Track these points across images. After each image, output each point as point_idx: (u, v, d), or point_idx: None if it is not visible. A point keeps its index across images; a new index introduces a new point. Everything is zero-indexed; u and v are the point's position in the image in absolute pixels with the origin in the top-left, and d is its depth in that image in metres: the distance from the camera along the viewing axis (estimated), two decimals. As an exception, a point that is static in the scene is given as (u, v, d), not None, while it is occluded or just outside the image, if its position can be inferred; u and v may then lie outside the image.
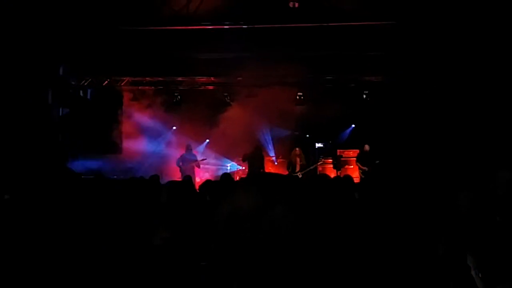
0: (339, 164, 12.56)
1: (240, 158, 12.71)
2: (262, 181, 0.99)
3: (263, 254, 1.11)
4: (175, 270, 4.06)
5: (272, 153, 13.50)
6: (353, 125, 13.74)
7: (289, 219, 1.11)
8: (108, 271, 3.23)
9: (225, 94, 13.50)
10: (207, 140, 13.98)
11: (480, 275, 1.97)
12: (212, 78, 13.43)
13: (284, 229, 1.11)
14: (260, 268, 1.12)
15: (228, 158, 13.63)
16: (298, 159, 12.23)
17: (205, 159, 13.07)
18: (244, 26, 10.80)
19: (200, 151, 13.75)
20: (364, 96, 12.87)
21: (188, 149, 12.77)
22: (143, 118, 13.30)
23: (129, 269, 3.30)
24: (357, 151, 12.45)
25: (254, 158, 11.93)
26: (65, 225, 3.40)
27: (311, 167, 12.45)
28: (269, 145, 13.50)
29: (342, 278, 2.63)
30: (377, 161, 11.58)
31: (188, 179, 7.00)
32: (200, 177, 12.52)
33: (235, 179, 11.83)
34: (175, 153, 13.02)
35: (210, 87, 13.84)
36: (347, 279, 2.71)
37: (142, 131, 13.41)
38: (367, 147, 11.99)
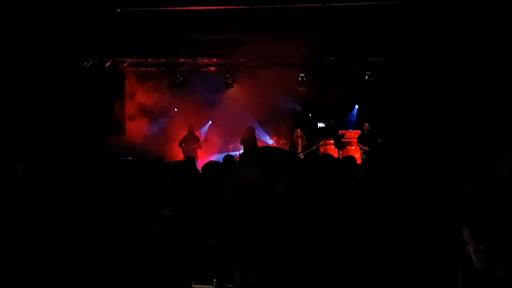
0: (341, 143, 12.59)
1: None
2: (266, 154, 1.02)
3: (270, 227, 1.15)
4: (180, 248, 4.13)
5: (266, 138, 13.49)
6: (357, 106, 13.73)
7: (295, 192, 1.15)
8: (113, 251, 3.28)
9: (227, 75, 13.49)
10: (210, 122, 14.01)
11: (482, 248, 2.02)
12: (214, 60, 13.40)
13: (291, 202, 1.14)
14: (269, 241, 1.16)
15: (230, 139, 13.67)
16: (300, 140, 12.27)
17: (207, 140, 13.11)
18: (246, 7, 10.73)
19: (203, 132, 13.80)
20: (367, 77, 12.85)
21: (191, 130, 12.80)
22: (146, 99, 13.31)
23: (134, 248, 3.36)
24: (359, 132, 12.48)
25: (248, 141, 11.99)
26: (70, 204, 3.45)
27: (313, 148, 12.48)
28: (264, 132, 13.45)
29: (346, 254, 2.69)
30: (379, 140, 11.60)
31: (191, 160, 7.06)
32: (203, 158, 12.58)
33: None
34: (178, 135, 13.06)
35: (212, 69, 13.81)
36: (351, 256, 2.78)
37: (145, 112, 13.43)
38: (367, 125, 12.03)
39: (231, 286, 1.23)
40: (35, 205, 3.16)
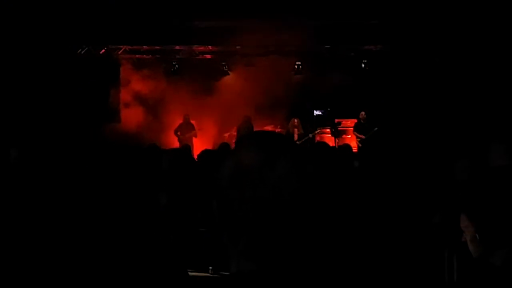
0: (337, 132, 12.58)
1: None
2: (263, 138, 1.00)
3: (266, 212, 1.13)
4: (176, 235, 4.12)
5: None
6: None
7: (291, 177, 1.13)
8: (108, 238, 3.27)
9: (223, 63, 13.41)
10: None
11: (477, 237, 2.02)
12: (210, 47, 13.31)
13: (286, 187, 1.12)
14: (266, 227, 1.14)
15: (226, 128, 13.62)
16: (295, 129, 12.24)
17: (203, 128, 13.07)
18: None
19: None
20: (363, 65, 12.81)
21: (186, 118, 12.75)
22: (141, 87, 13.22)
23: (130, 236, 3.35)
24: (355, 120, 12.47)
25: (244, 129, 11.96)
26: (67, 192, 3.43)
27: (309, 136, 12.47)
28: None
29: (343, 241, 2.69)
30: (376, 128, 11.60)
31: (186, 148, 7.04)
32: (198, 146, 12.54)
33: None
34: (173, 123, 13.01)
35: (208, 56, 13.72)
36: (347, 243, 2.78)
37: (140, 100, 13.35)
38: (363, 113, 12.02)
39: (227, 273, 1.22)
40: (28, 189, 3.13)
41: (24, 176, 3.37)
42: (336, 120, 13.09)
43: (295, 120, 12.24)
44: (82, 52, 13.04)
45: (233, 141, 12.72)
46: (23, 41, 10.78)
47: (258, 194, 1.08)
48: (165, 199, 4.02)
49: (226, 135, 13.48)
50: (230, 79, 13.58)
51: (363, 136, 11.84)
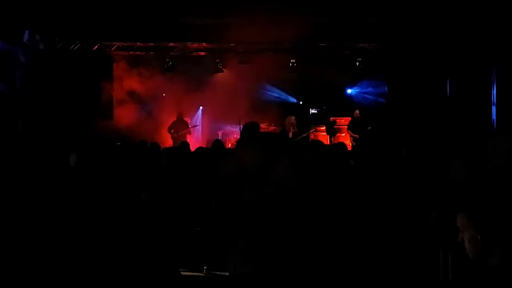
0: (332, 130, 12.59)
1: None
2: (263, 139, 0.97)
3: (268, 209, 1.10)
4: (169, 234, 4.09)
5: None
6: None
7: (291, 175, 1.10)
8: (99, 238, 3.22)
9: (217, 60, 13.36)
10: (201, 107, 13.92)
11: (479, 237, 2.00)
12: (204, 44, 13.25)
13: (290, 185, 1.10)
14: (266, 224, 1.11)
15: (220, 125, 13.59)
16: (291, 127, 12.20)
17: (197, 125, 13.03)
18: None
19: (198, 117, 13.72)
20: (357, 63, 12.82)
21: (180, 116, 12.70)
22: (134, 84, 13.14)
23: (120, 234, 3.30)
24: (349, 118, 12.50)
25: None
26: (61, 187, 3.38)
27: (304, 135, 12.45)
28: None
29: (340, 242, 2.67)
30: (369, 127, 11.63)
31: (185, 145, 7.01)
32: (192, 144, 12.50)
33: (227, 146, 11.85)
34: (167, 120, 12.95)
35: (202, 53, 13.67)
36: (344, 243, 2.76)
37: (134, 97, 13.28)
38: (357, 112, 12.06)
39: (222, 273, 1.19)
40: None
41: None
42: (331, 119, 13.10)
43: (292, 118, 12.17)
44: (75, 48, 12.94)
45: (227, 138, 12.71)
46: (15, 36, 10.68)
47: (259, 192, 1.05)
48: (145, 194, 3.98)
49: (220, 132, 13.45)
50: (224, 76, 13.54)
51: (357, 136, 11.88)
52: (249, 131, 4.25)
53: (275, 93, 13.99)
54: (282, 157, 1.08)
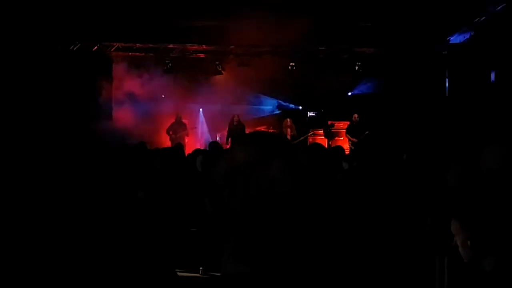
0: (330, 133, 12.61)
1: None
2: (258, 138, 0.98)
3: (258, 211, 1.11)
4: (165, 235, 4.09)
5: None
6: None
7: (285, 178, 1.11)
8: (95, 238, 3.22)
9: (217, 62, 13.38)
10: (201, 109, 13.94)
11: (469, 243, 2.01)
12: (204, 46, 13.26)
13: (280, 188, 1.10)
14: (259, 225, 1.12)
15: (218, 127, 13.61)
16: (288, 130, 12.24)
17: (195, 127, 13.04)
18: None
19: (200, 119, 13.76)
20: (357, 67, 12.84)
21: (178, 117, 12.71)
22: (133, 85, 13.15)
23: (115, 235, 3.31)
24: (348, 122, 12.51)
25: (235, 129, 11.97)
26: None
27: (301, 138, 12.48)
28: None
29: (334, 246, 2.67)
30: (367, 132, 11.64)
31: (179, 147, 7.01)
32: (190, 145, 12.51)
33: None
34: (166, 121, 12.96)
35: (201, 55, 13.68)
36: (338, 247, 2.76)
37: (133, 98, 13.28)
38: (356, 116, 12.08)
39: (217, 274, 1.20)
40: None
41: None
42: (329, 122, 13.12)
43: (288, 120, 12.24)
44: (75, 49, 12.94)
45: (224, 141, 12.74)
46: (14, 37, 10.67)
47: (251, 193, 1.06)
48: (142, 194, 3.99)
49: (218, 134, 13.47)
50: (223, 79, 13.55)
51: (355, 140, 11.89)
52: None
53: (274, 98, 14.05)
54: (274, 159, 1.08)
